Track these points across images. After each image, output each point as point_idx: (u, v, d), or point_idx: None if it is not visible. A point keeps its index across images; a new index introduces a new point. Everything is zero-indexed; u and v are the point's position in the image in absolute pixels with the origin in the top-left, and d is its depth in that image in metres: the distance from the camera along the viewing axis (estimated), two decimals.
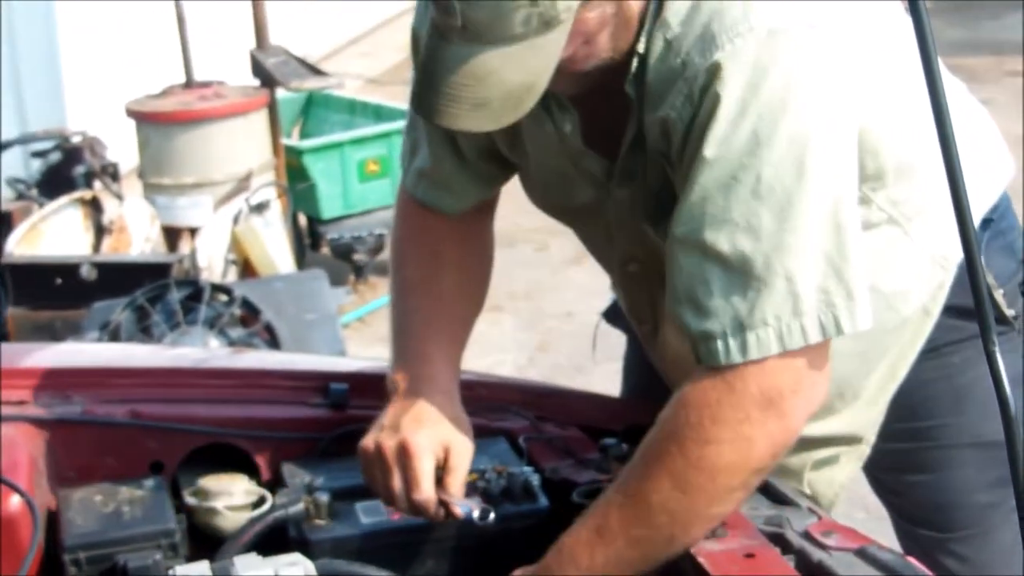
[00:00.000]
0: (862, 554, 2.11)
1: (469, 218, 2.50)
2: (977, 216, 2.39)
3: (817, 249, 1.95)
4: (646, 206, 2.18)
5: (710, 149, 1.95)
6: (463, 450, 2.24)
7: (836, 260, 1.96)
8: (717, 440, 1.98)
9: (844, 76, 2.00)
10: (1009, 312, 2.43)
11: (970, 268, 1.68)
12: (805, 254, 1.95)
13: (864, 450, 2.45)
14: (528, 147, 2.32)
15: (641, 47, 2.03)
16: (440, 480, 2.21)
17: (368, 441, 2.24)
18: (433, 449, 2.20)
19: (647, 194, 2.16)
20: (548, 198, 2.40)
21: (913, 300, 2.32)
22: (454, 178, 2.44)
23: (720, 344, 1.97)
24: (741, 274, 1.95)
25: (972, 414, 2.44)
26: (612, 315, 2.76)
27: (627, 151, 2.16)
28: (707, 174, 1.95)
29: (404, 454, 2.19)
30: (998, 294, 2.41)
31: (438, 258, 2.45)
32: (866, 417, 2.40)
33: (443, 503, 2.19)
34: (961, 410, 2.46)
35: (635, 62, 2.05)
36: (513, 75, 1.89)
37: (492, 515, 2.17)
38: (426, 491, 2.18)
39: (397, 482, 2.19)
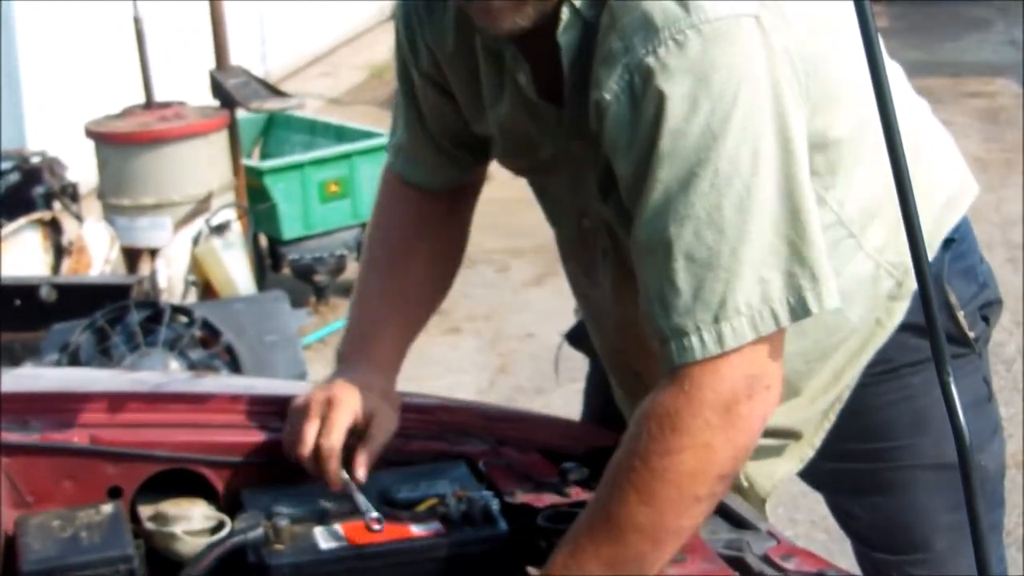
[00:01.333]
0: None
1: (447, 201, 2.60)
2: (940, 236, 2.41)
3: (779, 235, 1.98)
4: (595, 170, 2.20)
5: (664, 146, 1.96)
6: (384, 423, 2.35)
7: (798, 244, 1.99)
8: (679, 449, 1.98)
9: (791, 66, 2.02)
10: (970, 334, 2.45)
11: (923, 298, 1.69)
12: (768, 241, 1.97)
13: (806, 451, 2.46)
14: (489, 111, 2.34)
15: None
16: (353, 447, 2.31)
17: (300, 398, 2.38)
18: (355, 410, 2.32)
19: (597, 157, 2.17)
20: (514, 158, 2.42)
21: (859, 306, 2.33)
22: (428, 155, 2.53)
23: (695, 339, 1.98)
24: (709, 267, 1.97)
25: (931, 435, 2.44)
26: (574, 337, 2.77)
27: (572, 104, 2.17)
28: (664, 171, 1.97)
29: (328, 404, 2.32)
30: (959, 315, 2.43)
31: (410, 242, 2.57)
32: (805, 414, 2.41)
33: (347, 486, 2.29)
34: (921, 431, 2.47)
35: (566, 12, 2.08)
36: None
37: (380, 527, 2.21)
38: (335, 440, 2.28)
39: (311, 427, 2.30)
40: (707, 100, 1.94)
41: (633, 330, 2.33)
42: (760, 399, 2.02)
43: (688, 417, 1.98)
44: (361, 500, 2.24)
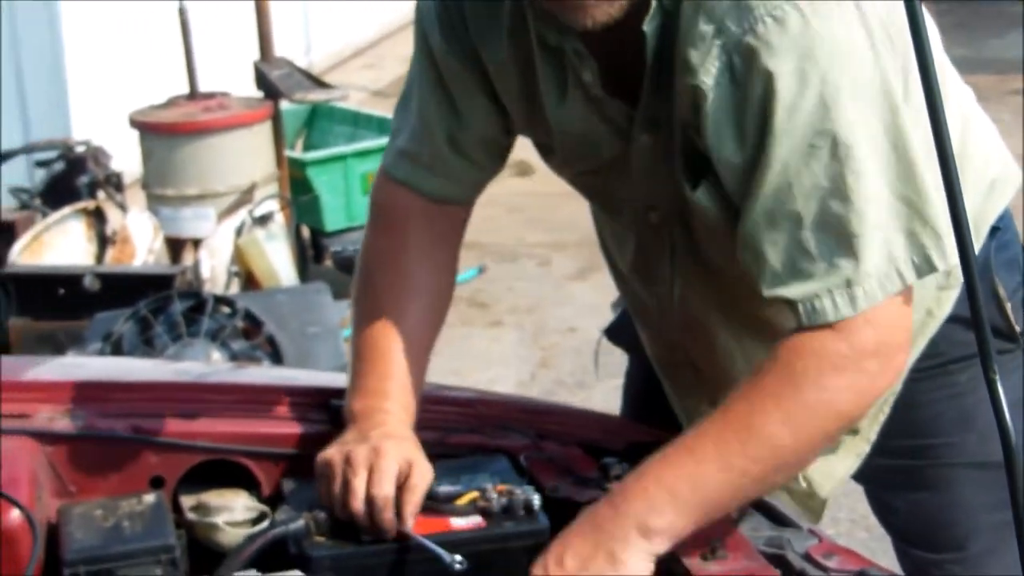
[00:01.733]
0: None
1: (460, 217, 2.51)
2: (987, 222, 2.40)
3: (898, 195, 2.02)
4: (680, 160, 2.20)
5: (780, 123, 1.99)
6: (425, 471, 2.24)
7: (916, 202, 2.03)
8: (836, 388, 2.02)
9: (887, 35, 2.05)
10: (1017, 327, 2.44)
11: (970, 294, 1.68)
12: (888, 203, 2.02)
13: (863, 447, 2.45)
14: (549, 112, 2.32)
15: None
16: (399, 497, 2.21)
17: (331, 451, 2.25)
18: (399, 460, 2.22)
19: (675, 147, 2.18)
20: (576, 161, 2.40)
21: (915, 295, 2.33)
22: (454, 162, 2.43)
23: (828, 302, 2.02)
24: (838, 235, 2.01)
25: (977, 434, 2.45)
26: (614, 333, 2.76)
27: (649, 96, 2.18)
28: (782, 148, 2.00)
29: (374, 454, 2.20)
30: (1007, 307, 2.42)
31: (420, 270, 2.44)
32: None
33: (411, 537, 2.20)
34: (966, 429, 2.47)
35: (654, 1, 2.08)
36: None
37: (463, 566, 2.14)
38: (388, 489, 2.18)
39: (360, 479, 2.19)
40: (816, 73, 1.97)
41: (699, 326, 2.33)
42: (902, 344, 2.07)
43: (847, 359, 2.03)
44: (434, 547, 2.17)
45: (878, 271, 2.02)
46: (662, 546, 2.03)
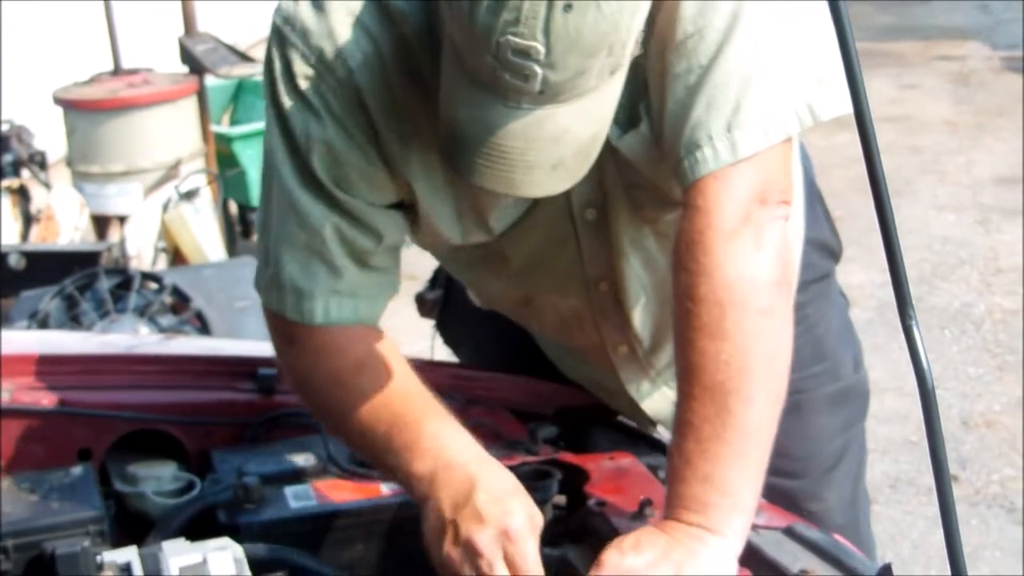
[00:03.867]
0: (790, 533, 2.13)
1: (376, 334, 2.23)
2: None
3: (788, 46, 2.01)
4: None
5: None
6: (539, 518, 2.02)
7: (805, 52, 2.02)
8: (717, 265, 1.96)
9: None
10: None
11: (885, 235, 1.66)
12: (776, 52, 2.00)
13: None
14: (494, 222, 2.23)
15: None
16: None
17: (447, 546, 1.98)
18: (531, 526, 1.98)
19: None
20: (496, 224, 2.26)
21: None
22: (363, 282, 2.19)
23: (708, 151, 1.98)
24: (720, 84, 1.98)
25: (829, 360, 2.55)
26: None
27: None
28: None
29: (506, 539, 1.95)
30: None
31: (379, 388, 2.15)
32: None
33: None
34: (821, 358, 2.56)
35: None
36: (584, 128, 1.82)
37: None
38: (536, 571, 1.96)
39: (501, 566, 1.94)
40: None
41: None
42: (776, 208, 2.01)
43: (713, 233, 1.97)
44: None
45: (760, 117, 1.98)
46: (739, 545, 1.96)
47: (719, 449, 1.93)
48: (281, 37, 2.10)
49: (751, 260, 1.97)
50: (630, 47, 1.80)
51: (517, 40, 1.71)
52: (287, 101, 2.10)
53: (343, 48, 2.04)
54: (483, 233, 2.26)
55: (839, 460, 2.64)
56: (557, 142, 1.80)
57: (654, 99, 2.05)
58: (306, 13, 2.07)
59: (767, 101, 1.99)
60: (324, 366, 2.19)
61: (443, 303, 2.88)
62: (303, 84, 2.08)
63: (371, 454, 2.15)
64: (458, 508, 1.98)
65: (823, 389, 2.57)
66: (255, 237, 7.24)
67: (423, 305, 2.97)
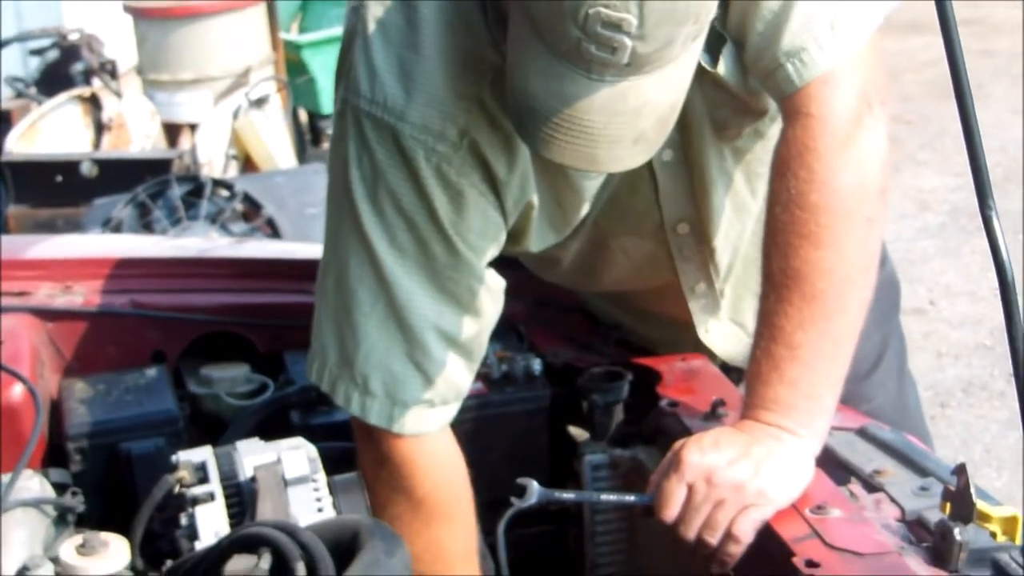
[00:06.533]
0: (863, 433, 2.12)
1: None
2: None
3: None
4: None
5: None
6: None
7: None
8: (833, 174, 1.94)
9: None
10: None
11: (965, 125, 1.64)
12: None
13: None
14: (546, 183, 2.16)
15: None
16: None
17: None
18: None
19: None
20: (585, 209, 2.24)
21: None
22: (444, 376, 2.04)
23: (816, 51, 1.94)
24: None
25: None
26: None
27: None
28: None
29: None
30: None
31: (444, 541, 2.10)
32: None
33: None
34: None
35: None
36: (665, 98, 1.78)
37: None
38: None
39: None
40: None
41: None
42: (880, 111, 1.99)
43: (830, 140, 1.95)
44: None
45: (856, 9, 1.96)
46: (817, 447, 1.96)
47: (810, 355, 1.94)
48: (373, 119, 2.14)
49: (864, 168, 1.96)
50: (713, 11, 1.77)
51: (608, 12, 1.64)
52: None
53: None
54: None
55: (880, 356, 2.61)
56: (639, 114, 1.75)
57: (735, 14, 2.01)
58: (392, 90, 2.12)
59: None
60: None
61: None
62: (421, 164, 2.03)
63: None
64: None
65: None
66: (324, 143, 7.26)
67: None
